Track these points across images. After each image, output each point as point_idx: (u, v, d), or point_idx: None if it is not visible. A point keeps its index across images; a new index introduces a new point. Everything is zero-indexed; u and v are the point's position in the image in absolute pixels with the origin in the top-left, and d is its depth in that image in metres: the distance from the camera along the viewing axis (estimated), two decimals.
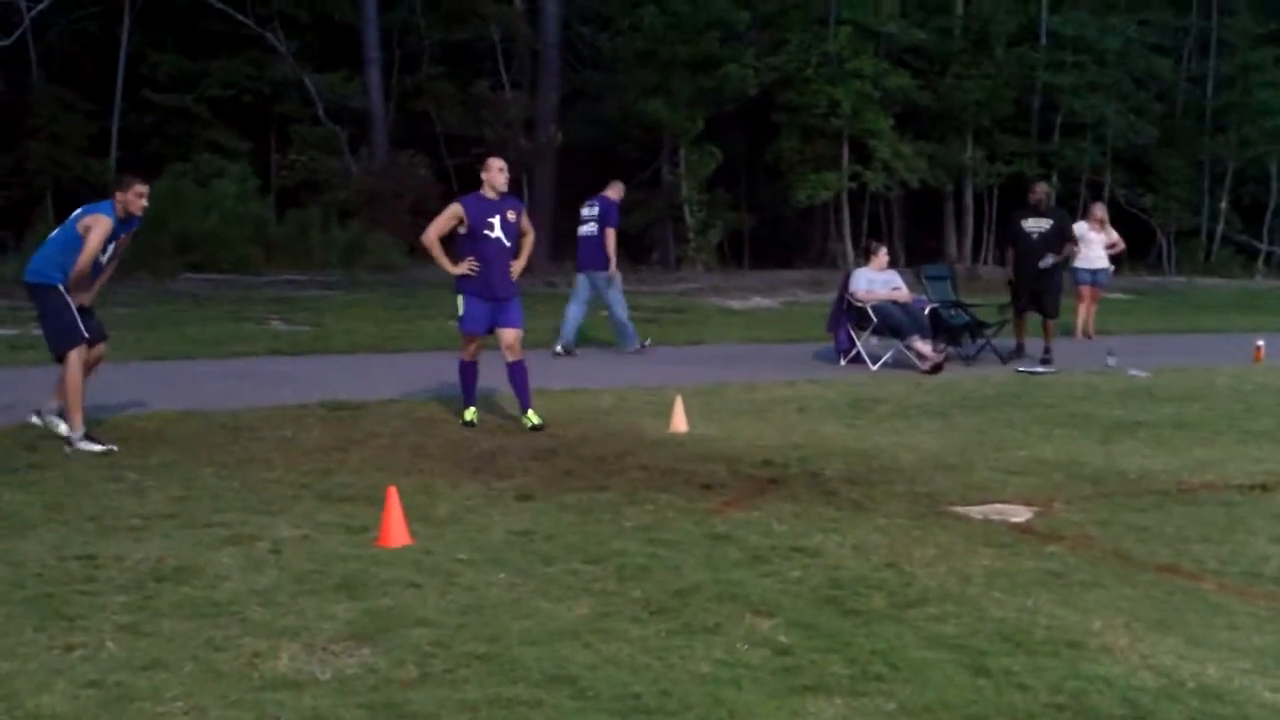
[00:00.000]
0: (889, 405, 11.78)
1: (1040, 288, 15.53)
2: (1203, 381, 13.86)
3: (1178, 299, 29.12)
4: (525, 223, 10.44)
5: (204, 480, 7.93)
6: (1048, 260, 15.48)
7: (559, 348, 15.57)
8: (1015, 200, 37.10)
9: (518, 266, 10.33)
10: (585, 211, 16.48)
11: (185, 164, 28.91)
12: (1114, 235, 19.80)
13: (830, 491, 7.88)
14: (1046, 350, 15.34)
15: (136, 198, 9.04)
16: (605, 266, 15.89)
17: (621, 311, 16.10)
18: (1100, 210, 20.26)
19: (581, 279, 16.23)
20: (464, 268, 10.06)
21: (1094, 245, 19.27)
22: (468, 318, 10.21)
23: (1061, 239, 15.76)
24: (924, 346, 14.69)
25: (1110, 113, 36.54)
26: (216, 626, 5.10)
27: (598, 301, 16.33)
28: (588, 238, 16.19)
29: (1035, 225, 15.63)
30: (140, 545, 6.27)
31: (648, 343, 16.37)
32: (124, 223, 9.08)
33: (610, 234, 15.92)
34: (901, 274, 16.47)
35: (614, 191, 16.74)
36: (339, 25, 33.52)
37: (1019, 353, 15.62)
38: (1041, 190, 16.16)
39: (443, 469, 8.46)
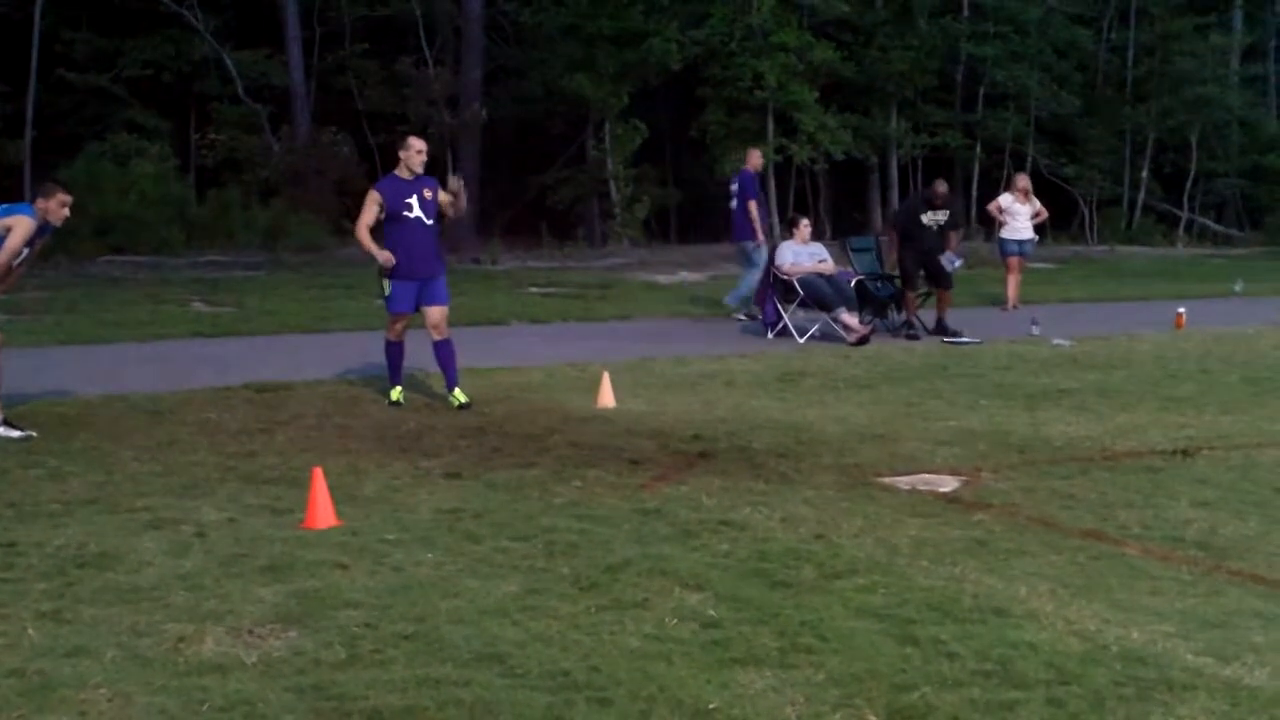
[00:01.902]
0: (816, 378, 11.83)
1: (935, 268, 15.66)
2: (1125, 349, 14.03)
3: (1100, 268, 29.39)
4: (444, 195, 10.31)
5: (126, 465, 7.83)
6: (955, 264, 15.87)
7: (741, 314, 16.98)
8: (940, 171, 37.40)
9: (457, 205, 10.28)
10: (731, 187, 17.64)
11: (103, 144, 28.40)
12: (1038, 205, 19.96)
13: (758, 465, 7.90)
14: (941, 322, 15.43)
15: (59, 207, 8.92)
16: (750, 236, 16.95)
17: (751, 278, 16.82)
18: (1024, 181, 20.39)
19: (738, 249, 17.61)
20: (384, 257, 9.97)
21: (1020, 216, 19.40)
22: (394, 298, 10.14)
23: (955, 227, 16.09)
24: (850, 319, 14.76)
25: (1032, 83, 36.81)
26: (140, 612, 5.04)
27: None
28: (732, 210, 17.39)
29: (933, 218, 15.85)
30: (61, 531, 6.18)
31: (742, 316, 17.03)
32: (40, 229, 8.92)
33: (751, 205, 16.97)
34: (827, 246, 16.54)
35: (751, 163, 17.84)
36: (259, 2, 33.09)
37: (908, 328, 15.56)
38: (943, 190, 16.42)
39: (369, 449, 8.40)
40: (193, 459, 8.02)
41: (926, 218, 15.74)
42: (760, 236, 16.92)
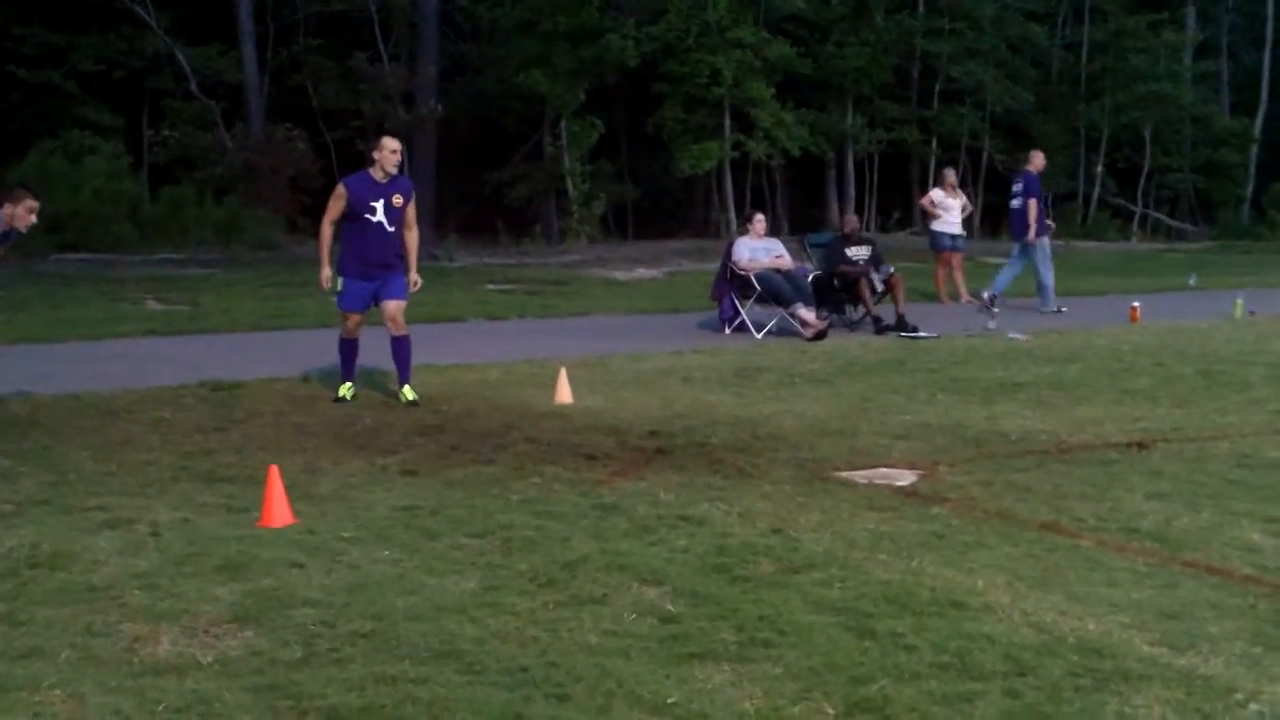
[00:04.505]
0: (773, 373, 11.85)
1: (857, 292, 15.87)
2: (1081, 343, 14.11)
3: (1056, 262, 29.47)
4: (410, 214, 10.10)
5: (79, 464, 7.75)
6: (880, 286, 16.00)
7: (986, 295, 17.79)
8: (898, 167, 37.58)
9: (411, 266, 10.15)
10: (1014, 187, 18.46)
11: (54, 141, 28.19)
12: (964, 198, 20.25)
13: (716, 460, 7.90)
14: (900, 318, 15.50)
15: (27, 214, 8.65)
16: (1040, 232, 17.98)
17: (1046, 274, 18.08)
18: (952, 175, 20.71)
19: (1014, 246, 18.56)
20: (325, 279, 9.95)
21: (953, 210, 19.64)
22: (346, 295, 10.03)
23: (878, 262, 16.23)
24: (807, 314, 14.79)
25: (987, 79, 37.06)
26: (94, 612, 4.98)
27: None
28: (1014, 210, 18.32)
29: (857, 253, 16.16)
30: (13, 531, 6.11)
31: (1064, 309, 17.78)
32: (5, 234, 8.75)
33: (1031, 203, 17.89)
34: (785, 242, 16.59)
35: (1034, 164, 18.65)
36: None
37: (876, 321, 15.59)
38: (853, 221, 17.37)
39: (326, 447, 8.35)
40: (147, 458, 7.94)
41: (852, 252, 16.04)
42: (1031, 236, 17.85)
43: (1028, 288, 18.68)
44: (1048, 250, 18.18)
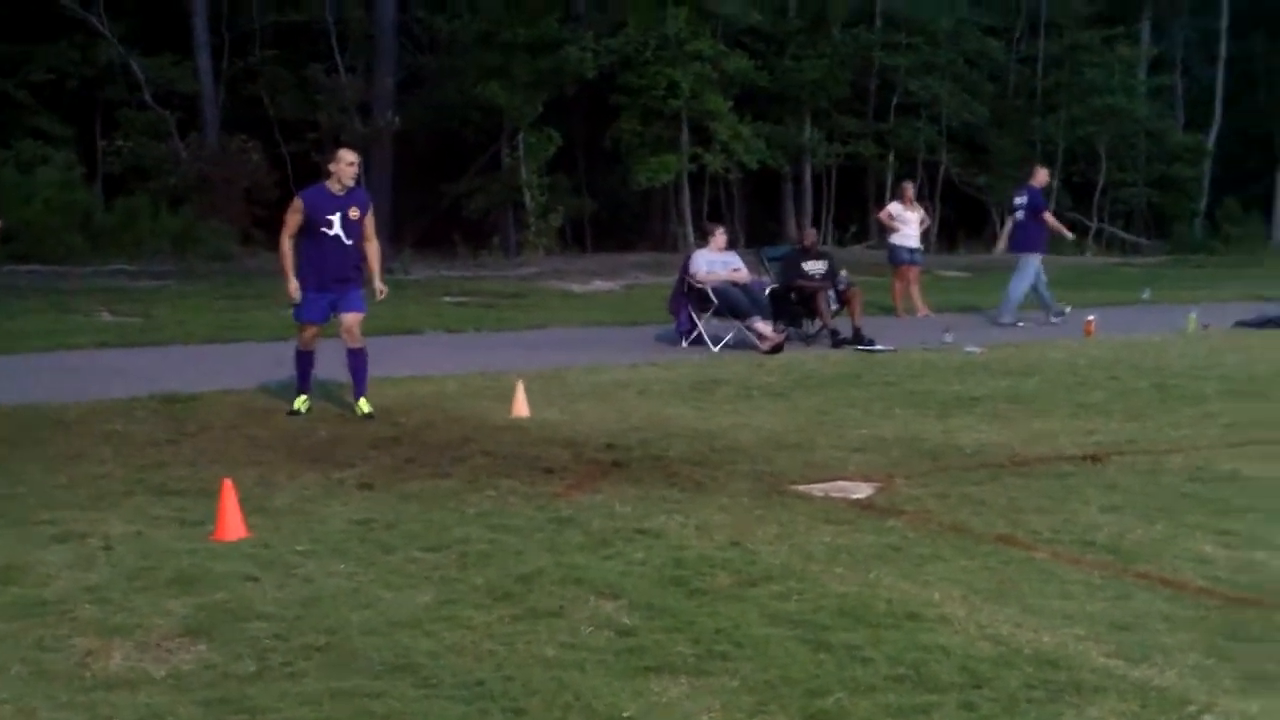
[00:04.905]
0: (730, 386, 11.86)
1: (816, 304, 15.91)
2: (1036, 356, 14.19)
3: (1007, 275, 29.74)
4: (369, 226, 10.06)
5: (30, 477, 7.67)
6: (836, 300, 16.09)
7: (1047, 314, 18.48)
8: (855, 180, 37.70)
9: (374, 276, 10.13)
10: (1017, 200, 18.70)
11: (6, 151, 27.90)
12: (922, 212, 20.41)
13: (673, 473, 7.90)
14: (857, 331, 15.57)
15: None
16: (1033, 249, 18.26)
17: (1026, 285, 18.26)
18: (910, 189, 20.83)
19: (1021, 259, 18.55)
20: (293, 291, 9.86)
21: (910, 223, 19.79)
22: (303, 307, 9.97)
23: (834, 275, 16.24)
24: (764, 327, 14.82)
25: (944, 93, 37.26)
26: (45, 626, 4.93)
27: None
28: (1019, 224, 18.50)
29: (814, 267, 16.17)
30: None
31: (1022, 324, 18.09)
32: None
33: (1048, 217, 18.57)
34: (742, 255, 16.61)
35: (1037, 179, 18.95)
36: (166, 7, 32.63)
37: (833, 335, 15.64)
38: (813, 235, 17.69)
39: (280, 460, 8.30)
40: (99, 471, 7.87)
41: (809, 266, 16.09)
42: (1037, 248, 18.24)
43: (995, 300, 18.80)
44: (1037, 269, 18.32)
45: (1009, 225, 18.56)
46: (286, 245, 9.94)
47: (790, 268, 16.18)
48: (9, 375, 11.91)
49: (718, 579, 5.56)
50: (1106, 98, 39.01)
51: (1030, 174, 19.16)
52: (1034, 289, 18.47)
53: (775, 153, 35.55)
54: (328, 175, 9.96)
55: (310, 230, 9.82)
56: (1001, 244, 18.32)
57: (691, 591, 5.39)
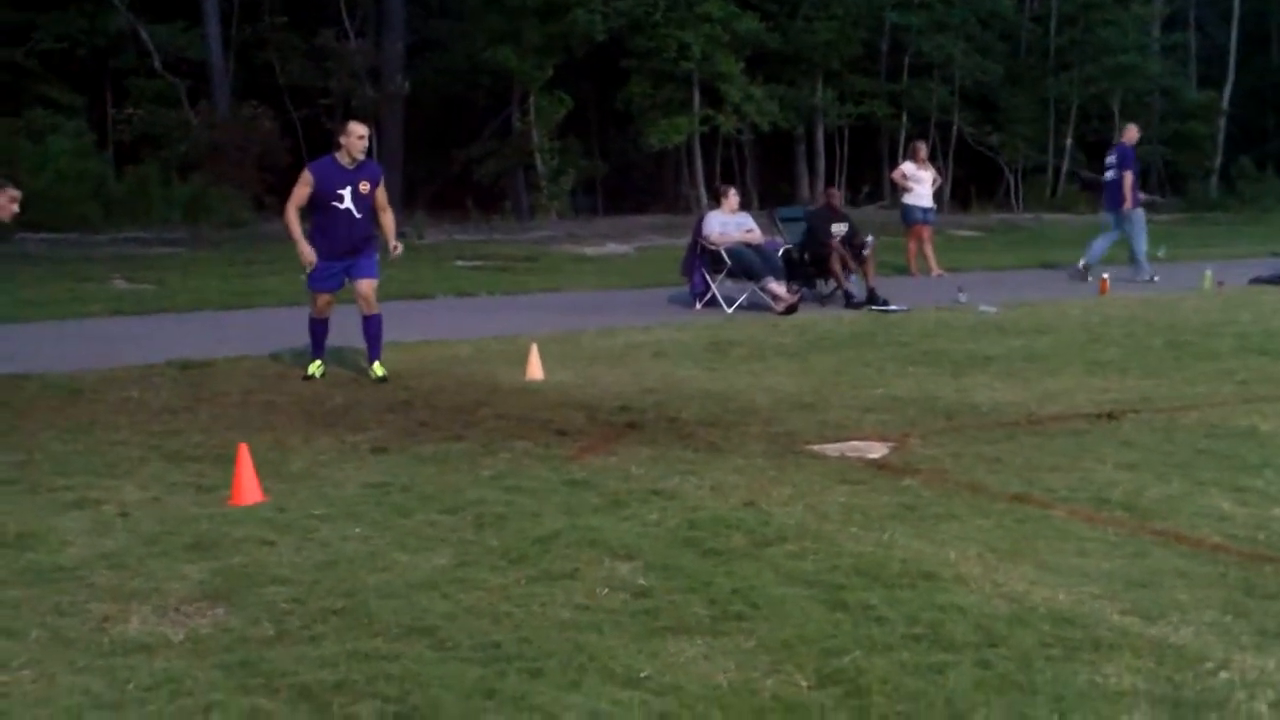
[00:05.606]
0: (745, 347, 11.84)
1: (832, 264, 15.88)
2: (1051, 315, 14.15)
3: (1026, 235, 29.68)
4: (382, 197, 10.05)
5: (46, 445, 7.69)
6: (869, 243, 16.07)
7: (1081, 265, 18.69)
8: (868, 141, 37.54)
9: (388, 239, 10.11)
10: (1109, 159, 18.98)
11: (17, 120, 27.90)
12: (934, 172, 20.31)
13: (687, 434, 7.89)
14: (871, 291, 15.51)
15: (9, 203, 8.47)
16: (1120, 205, 18.41)
17: (1139, 244, 18.53)
18: (923, 149, 20.67)
19: (1107, 217, 19.20)
20: (305, 254, 9.82)
21: (924, 183, 19.68)
22: (315, 275, 9.98)
23: (854, 236, 16.15)
24: (778, 288, 14.79)
25: (957, 52, 37.03)
26: (63, 592, 4.95)
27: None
28: (1109, 181, 18.86)
29: (839, 229, 16.04)
30: None
31: (1157, 278, 18.11)
32: None
33: (1127, 175, 18.34)
34: (755, 216, 16.56)
35: (1128, 136, 18.98)
36: None
37: (847, 297, 15.60)
38: (838, 195, 17.62)
39: (295, 424, 8.32)
40: (115, 438, 7.89)
41: (834, 228, 15.95)
42: (1129, 204, 18.26)
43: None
44: (1142, 221, 18.63)
45: (1127, 181, 18.39)
46: (291, 215, 9.92)
47: (821, 228, 16.04)
48: (24, 343, 11.94)
49: (733, 539, 5.56)
50: (1120, 56, 38.72)
51: (1123, 131, 19.27)
52: (1103, 239, 18.84)
53: (787, 113, 35.39)
54: (337, 148, 9.93)
55: (320, 203, 9.81)
56: (1127, 203, 18.32)
57: (706, 552, 5.39)
